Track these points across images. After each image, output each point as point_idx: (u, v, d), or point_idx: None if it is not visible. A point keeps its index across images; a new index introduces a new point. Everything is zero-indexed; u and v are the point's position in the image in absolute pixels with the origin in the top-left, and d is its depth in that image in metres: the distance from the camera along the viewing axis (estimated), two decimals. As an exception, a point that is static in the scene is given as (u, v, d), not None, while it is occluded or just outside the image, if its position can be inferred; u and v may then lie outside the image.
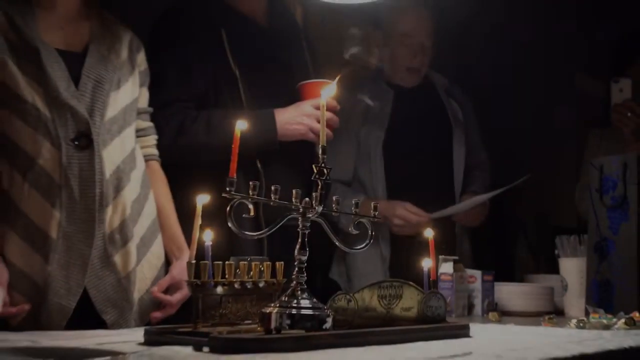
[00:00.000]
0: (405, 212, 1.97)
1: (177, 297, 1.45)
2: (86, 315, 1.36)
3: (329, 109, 1.61)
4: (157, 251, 1.52)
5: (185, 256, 1.50)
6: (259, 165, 1.65)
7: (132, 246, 1.43)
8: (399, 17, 2.17)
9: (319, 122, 1.58)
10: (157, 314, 1.45)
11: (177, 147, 1.61)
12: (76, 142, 1.36)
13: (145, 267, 1.49)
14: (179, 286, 1.45)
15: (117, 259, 1.41)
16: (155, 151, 1.60)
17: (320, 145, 1.00)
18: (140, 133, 1.56)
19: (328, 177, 0.99)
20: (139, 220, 1.47)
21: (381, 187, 2.12)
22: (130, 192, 1.45)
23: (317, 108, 1.59)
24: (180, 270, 1.47)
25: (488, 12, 2.91)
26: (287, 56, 1.81)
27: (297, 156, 1.62)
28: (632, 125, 2.10)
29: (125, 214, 1.42)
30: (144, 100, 1.57)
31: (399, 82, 2.22)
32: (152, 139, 1.60)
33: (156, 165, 1.60)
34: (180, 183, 1.58)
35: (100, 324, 1.36)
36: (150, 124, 1.60)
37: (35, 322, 1.30)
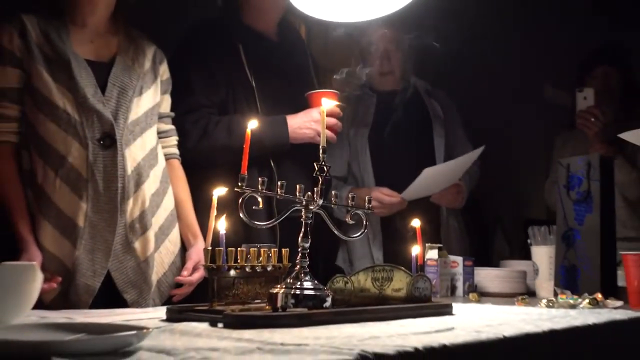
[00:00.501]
0: (379, 194, 1.97)
1: (196, 276, 1.46)
2: (109, 295, 1.37)
3: (332, 116, 1.63)
4: (174, 239, 1.53)
5: (200, 242, 1.52)
6: (272, 164, 1.66)
7: (151, 234, 1.44)
8: (365, 30, 2.17)
9: (327, 126, 1.60)
10: (178, 291, 1.46)
11: (201, 147, 1.62)
12: (101, 142, 1.36)
13: (163, 252, 1.49)
14: (197, 267, 1.47)
15: (137, 245, 1.41)
16: (175, 150, 1.61)
17: (320, 146, 1.02)
18: (162, 135, 1.56)
19: (328, 174, 1.01)
20: (157, 211, 1.48)
21: (370, 178, 2.13)
22: (150, 186, 1.45)
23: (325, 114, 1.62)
24: (197, 253, 1.49)
25: (473, 36, 2.93)
26: (295, 67, 1.81)
27: (306, 156, 1.63)
28: (595, 129, 2.11)
29: (144, 205, 1.43)
30: (166, 106, 1.58)
31: (378, 86, 2.23)
32: (174, 139, 1.60)
33: (176, 163, 1.60)
34: (203, 178, 1.58)
35: (122, 303, 1.38)
36: (172, 126, 1.60)
37: (65, 300, 1.31)
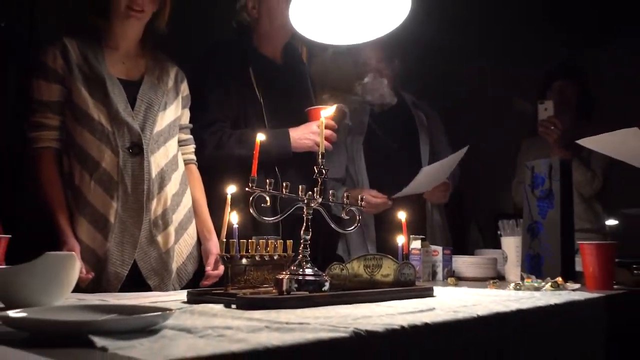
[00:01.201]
0: (367, 195, 1.97)
1: (221, 269, 1.44)
2: (135, 281, 1.37)
3: (328, 128, 1.64)
4: (191, 233, 1.53)
5: (214, 236, 1.51)
6: (276, 169, 1.66)
7: (172, 229, 1.44)
8: (361, 50, 2.16)
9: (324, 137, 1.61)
10: (206, 283, 1.45)
11: (216, 155, 1.62)
12: (130, 150, 1.37)
13: (182, 245, 1.49)
14: (218, 260, 1.45)
15: (160, 238, 1.42)
16: (193, 157, 1.60)
17: (319, 152, 1.02)
18: (182, 143, 1.56)
19: (326, 176, 1.01)
20: (177, 209, 1.48)
21: (365, 181, 2.13)
22: (172, 188, 1.46)
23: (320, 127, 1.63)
24: (216, 247, 1.48)
25: (452, 55, 2.93)
26: (296, 86, 1.82)
27: (305, 162, 1.63)
28: (554, 136, 2.12)
29: (167, 204, 1.43)
30: (185, 118, 1.57)
31: (370, 99, 2.20)
32: (192, 147, 1.60)
33: (194, 167, 1.60)
34: (217, 180, 1.58)
35: (146, 288, 1.38)
36: (190, 136, 1.60)
37: (97, 285, 1.32)
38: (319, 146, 1.61)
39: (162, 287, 1.41)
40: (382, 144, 2.16)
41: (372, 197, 2.00)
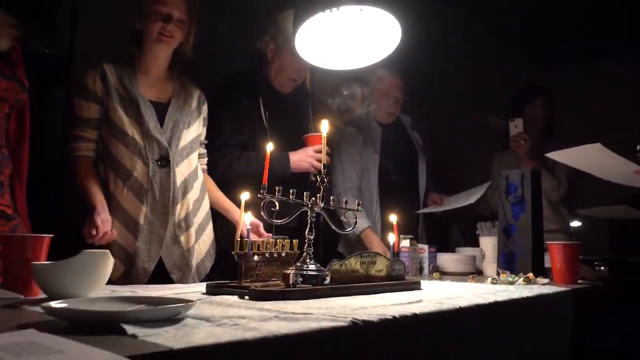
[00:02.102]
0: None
1: (265, 233, 1.46)
2: (159, 276, 1.37)
3: (320, 152, 1.64)
4: (208, 233, 1.52)
5: (238, 212, 1.51)
6: (276, 188, 1.66)
7: (193, 230, 1.44)
8: (381, 79, 2.16)
9: (317, 160, 1.65)
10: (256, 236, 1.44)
11: (226, 175, 1.63)
12: (159, 162, 1.38)
13: (201, 244, 1.49)
14: (257, 224, 1.45)
15: (182, 238, 1.42)
16: (206, 167, 1.61)
17: (322, 164, 1.01)
18: (200, 155, 1.57)
19: (327, 185, 1.00)
20: (197, 213, 1.48)
21: (375, 192, 2.09)
22: (193, 195, 1.46)
23: (317, 152, 1.66)
24: (253, 222, 1.43)
25: (432, 73, 2.94)
26: (298, 114, 1.83)
27: (301, 181, 1.64)
28: (524, 149, 2.12)
29: (188, 209, 1.43)
30: (203, 135, 1.58)
31: (381, 120, 2.20)
32: (205, 159, 1.61)
33: (206, 175, 1.61)
34: (232, 192, 1.60)
35: (169, 282, 1.37)
36: (205, 150, 1.60)
37: (127, 279, 1.32)
38: (314, 168, 1.65)
39: (183, 280, 1.41)
40: (388, 163, 2.15)
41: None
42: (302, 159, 1.66)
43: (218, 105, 1.67)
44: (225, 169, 1.64)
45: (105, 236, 1.24)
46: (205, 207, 1.52)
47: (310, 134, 1.70)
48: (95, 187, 1.33)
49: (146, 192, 1.35)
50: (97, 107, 1.37)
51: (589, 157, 1.40)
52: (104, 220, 1.25)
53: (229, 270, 1.05)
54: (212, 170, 1.63)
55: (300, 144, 1.70)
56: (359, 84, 2.14)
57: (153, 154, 1.37)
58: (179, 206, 1.41)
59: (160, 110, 1.42)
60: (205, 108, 1.57)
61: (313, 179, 1.65)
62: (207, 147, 1.62)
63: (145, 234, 1.35)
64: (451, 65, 3.17)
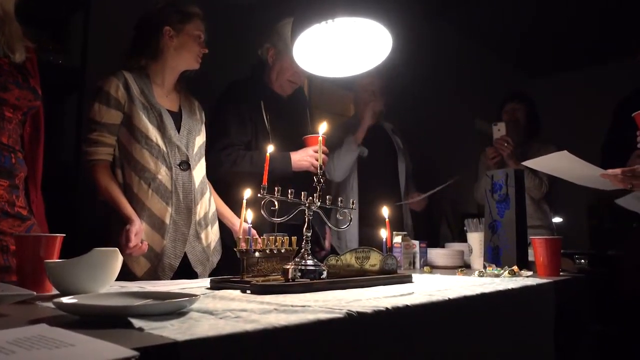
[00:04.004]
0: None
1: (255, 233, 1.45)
2: (184, 270, 1.37)
3: (323, 152, 1.63)
4: (215, 231, 1.51)
5: (238, 221, 1.51)
6: (276, 187, 1.66)
7: (210, 228, 1.45)
8: (355, 83, 2.25)
9: (317, 160, 1.60)
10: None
11: (232, 174, 1.63)
12: (181, 167, 1.38)
13: (215, 238, 1.49)
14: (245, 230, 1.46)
15: (202, 235, 1.43)
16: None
17: (319, 164, 1.01)
18: None
19: (324, 185, 1.00)
20: (210, 211, 1.48)
21: (355, 187, 2.16)
22: (208, 195, 1.47)
23: (315, 152, 1.63)
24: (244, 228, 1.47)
25: (424, 82, 2.94)
26: (297, 117, 1.83)
27: (302, 179, 1.62)
28: (507, 151, 2.12)
29: (207, 208, 1.45)
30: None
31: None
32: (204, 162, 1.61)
33: (207, 181, 1.60)
34: (233, 191, 1.59)
35: (194, 276, 1.38)
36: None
37: (153, 275, 1.32)
38: (314, 167, 1.64)
39: (204, 274, 1.42)
40: (370, 162, 2.20)
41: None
42: (303, 158, 1.65)
43: (223, 108, 1.68)
44: (230, 167, 1.64)
45: (135, 249, 1.24)
46: (213, 206, 1.53)
47: (309, 135, 1.70)
48: (122, 194, 1.32)
49: (170, 194, 1.36)
50: (119, 114, 1.36)
51: (559, 164, 1.40)
52: (137, 232, 1.26)
53: (236, 265, 1.05)
54: (218, 167, 1.62)
55: (300, 144, 1.70)
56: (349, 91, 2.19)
57: (175, 159, 1.38)
58: (199, 206, 1.42)
59: (175, 118, 1.43)
60: (204, 116, 1.57)
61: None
62: (212, 147, 1.62)
63: (171, 232, 1.35)
64: (439, 73, 3.17)
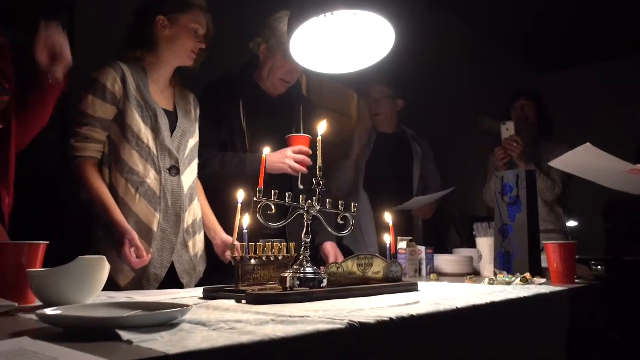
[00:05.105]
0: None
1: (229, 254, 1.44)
2: (170, 281, 1.36)
3: (304, 154, 1.60)
4: (201, 238, 1.50)
5: (219, 235, 1.49)
6: (272, 191, 1.65)
7: (198, 236, 1.45)
8: (370, 89, 2.35)
9: (295, 161, 1.58)
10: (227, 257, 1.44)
11: (200, 175, 1.59)
12: (170, 172, 1.37)
13: (201, 246, 1.48)
14: (227, 248, 1.45)
15: (190, 244, 1.42)
16: (196, 171, 1.58)
17: (317, 166, 1.01)
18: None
19: (324, 187, 1.00)
20: (197, 219, 1.47)
21: (362, 194, 2.23)
22: (197, 202, 1.46)
23: (295, 153, 1.59)
24: (225, 241, 1.47)
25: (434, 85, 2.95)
26: (284, 115, 1.78)
27: (280, 182, 1.56)
28: (517, 152, 2.12)
29: (195, 215, 1.44)
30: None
31: (378, 128, 2.37)
32: (196, 162, 1.57)
33: (198, 180, 1.58)
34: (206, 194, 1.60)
35: (180, 287, 1.37)
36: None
37: (138, 285, 1.31)
38: (292, 169, 1.61)
39: (191, 285, 1.41)
40: (382, 166, 2.26)
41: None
42: (279, 160, 1.58)
43: (200, 107, 1.64)
44: (198, 169, 1.60)
45: (143, 261, 1.24)
46: (199, 213, 1.51)
47: (292, 135, 1.65)
48: (112, 199, 1.29)
49: (159, 199, 1.34)
50: (113, 109, 1.33)
51: (585, 161, 1.38)
52: (138, 243, 1.25)
53: (232, 272, 1.05)
54: None
55: (284, 143, 1.66)
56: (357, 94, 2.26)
57: (165, 163, 1.36)
58: (187, 213, 1.41)
59: (169, 117, 1.41)
60: (198, 111, 1.55)
61: (301, 186, 1.61)
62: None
63: (158, 241, 1.34)
64: (444, 69, 3.18)
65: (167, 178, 1.36)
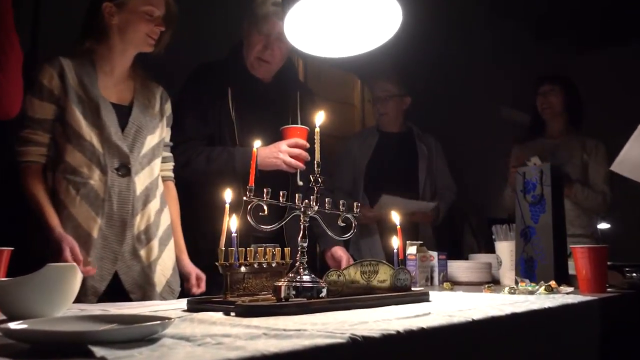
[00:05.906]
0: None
1: (203, 286, 1.51)
2: (117, 295, 1.34)
3: (300, 147, 1.60)
4: (171, 247, 1.52)
5: (185, 256, 1.55)
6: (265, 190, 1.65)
7: (155, 243, 1.45)
8: (374, 87, 2.47)
9: (290, 156, 1.58)
10: (195, 291, 1.49)
11: (184, 174, 1.62)
12: (118, 171, 1.38)
13: (166, 258, 1.49)
14: (199, 277, 1.51)
15: (142, 252, 1.42)
16: (171, 174, 1.61)
17: (315, 162, 1.01)
18: (162, 160, 1.56)
19: (322, 185, 1.00)
20: (159, 225, 1.48)
21: (361, 194, 2.31)
22: (154, 205, 1.47)
23: (290, 146, 1.59)
24: (190, 266, 1.53)
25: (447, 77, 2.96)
26: (279, 104, 1.78)
27: (274, 179, 1.57)
28: None
29: (150, 220, 1.44)
30: (168, 137, 1.58)
31: (381, 127, 2.46)
32: (171, 164, 1.60)
33: (171, 185, 1.60)
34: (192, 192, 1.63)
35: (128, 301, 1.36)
36: (170, 154, 1.60)
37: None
38: (286, 164, 1.61)
39: (145, 300, 1.40)
40: (385, 167, 2.33)
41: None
42: (272, 154, 1.59)
43: (181, 98, 1.66)
44: (181, 167, 1.62)
45: (86, 271, 1.25)
46: (166, 219, 1.52)
47: (287, 126, 1.65)
48: (48, 202, 1.32)
49: (102, 202, 1.35)
50: (52, 107, 1.36)
51: None
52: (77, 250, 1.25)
53: (218, 282, 1.05)
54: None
55: (278, 138, 1.66)
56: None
57: (112, 162, 1.37)
58: (138, 217, 1.41)
59: (122, 113, 1.42)
60: (168, 106, 1.57)
61: (300, 183, 1.61)
62: (172, 148, 1.61)
63: (98, 249, 1.34)
64: (459, 54, 3.18)
65: (114, 179, 1.37)
